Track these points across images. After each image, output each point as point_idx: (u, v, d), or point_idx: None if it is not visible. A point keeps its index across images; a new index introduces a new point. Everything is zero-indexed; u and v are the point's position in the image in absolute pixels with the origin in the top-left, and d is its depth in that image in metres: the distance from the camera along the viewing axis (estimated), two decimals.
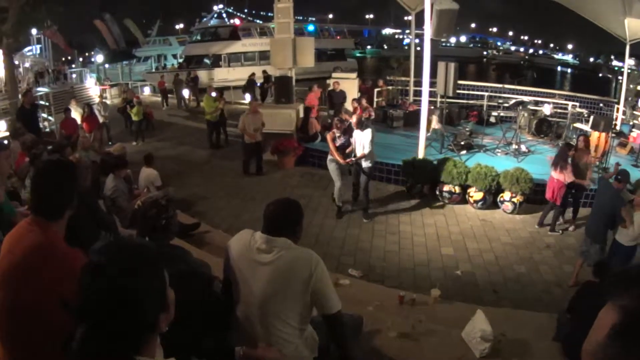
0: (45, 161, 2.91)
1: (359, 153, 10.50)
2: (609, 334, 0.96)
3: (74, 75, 33.92)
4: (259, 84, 26.93)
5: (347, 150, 10.72)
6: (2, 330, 2.49)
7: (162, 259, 1.69)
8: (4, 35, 19.53)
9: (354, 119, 10.76)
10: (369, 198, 11.21)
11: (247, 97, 25.51)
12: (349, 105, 17.42)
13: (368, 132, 10.38)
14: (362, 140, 10.43)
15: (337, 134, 10.81)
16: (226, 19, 55.93)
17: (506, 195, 11.51)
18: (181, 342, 2.53)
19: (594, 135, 13.27)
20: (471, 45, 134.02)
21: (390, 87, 22.06)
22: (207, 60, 41.85)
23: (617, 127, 15.78)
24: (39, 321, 2.41)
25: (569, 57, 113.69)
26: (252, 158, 14.29)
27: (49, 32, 32.44)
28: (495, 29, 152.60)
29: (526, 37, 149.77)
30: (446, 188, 11.99)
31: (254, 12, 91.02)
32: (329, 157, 11.01)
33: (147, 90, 34.06)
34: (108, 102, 24.04)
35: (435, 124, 15.31)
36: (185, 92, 28.13)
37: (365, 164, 10.67)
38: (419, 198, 12.34)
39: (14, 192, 6.02)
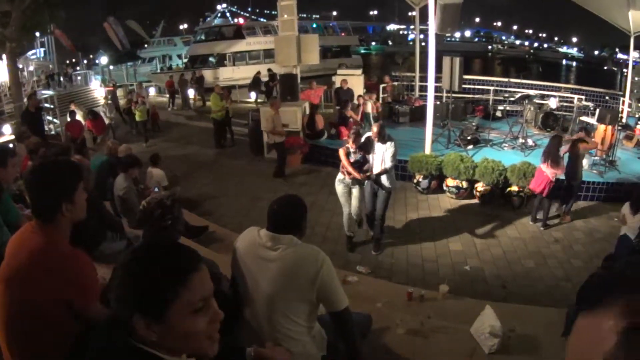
0: (35, 164, 2.91)
1: (379, 168, 8.88)
2: (619, 343, 0.88)
3: (78, 78, 33.95)
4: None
5: (364, 168, 8.98)
6: (6, 332, 2.49)
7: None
8: (7, 40, 19.61)
9: (374, 129, 8.78)
10: (383, 226, 9.61)
11: (253, 96, 25.59)
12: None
13: (390, 146, 8.75)
14: (382, 155, 8.81)
15: (352, 149, 8.99)
16: (230, 18, 56.15)
17: (514, 189, 11.47)
18: None
19: (600, 128, 13.19)
20: (476, 39, 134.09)
21: (395, 83, 21.99)
22: (212, 60, 41.93)
23: (623, 120, 15.68)
24: (42, 324, 2.42)
25: (573, 51, 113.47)
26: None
27: (58, 32, 32.67)
28: (499, 23, 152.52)
29: (530, 31, 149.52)
30: (453, 183, 11.95)
31: (257, 10, 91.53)
32: (338, 176, 9.36)
33: (152, 91, 34.09)
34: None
35: (369, 109, 15.99)
36: (191, 92, 28.14)
37: (386, 182, 9.01)
38: (427, 193, 12.33)
39: (20, 195, 6.02)
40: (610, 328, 0.87)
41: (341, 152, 9.12)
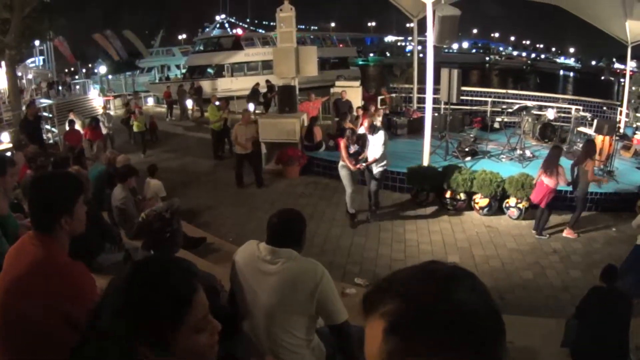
0: (35, 176, 2.90)
1: (370, 158, 10.51)
2: (383, 338, 0.99)
3: (77, 87, 34.00)
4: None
5: (360, 157, 10.55)
6: (4, 343, 2.49)
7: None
8: (6, 47, 19.62)
9: (365, 124, 10.65)
10: (378, 202, 11.32)
11: (251, 107, 25.59)
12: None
13: (380, 135, 10.39)
14: (374, 144, 10.43)
15: (351, 142, 10.55)
16: (229, 29, 56.29)
17: (512, 201, 11.45)
18: None
19: (598, 138, 13.20)
20: (473, 50, 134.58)
21: (393, 95, 22.02)
22: (210, 71, 41.95)
23: (621, 130, 15.73)
24: (40, 336, 2.41)
25: (571, 61, 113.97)
26: (243, 169, 14.09)
27: (57, 41, 32.77)
28: (497, 34, 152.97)
29: (528, 42, 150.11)
30: (451, 195, 11.94)
31: (256, 21, 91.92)
32: (340, 163, 10.75)
33: (150, 101, 34.08)
34: (112, 113, 24.10)
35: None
36: (189, 103, 28.12)
37: (377, 169, 10.67)
38: (425, 205, 12.29)
39: (18, 205, 6.01)
40: (378, 328, 1.02)
41: (342, 145, 10.71)
